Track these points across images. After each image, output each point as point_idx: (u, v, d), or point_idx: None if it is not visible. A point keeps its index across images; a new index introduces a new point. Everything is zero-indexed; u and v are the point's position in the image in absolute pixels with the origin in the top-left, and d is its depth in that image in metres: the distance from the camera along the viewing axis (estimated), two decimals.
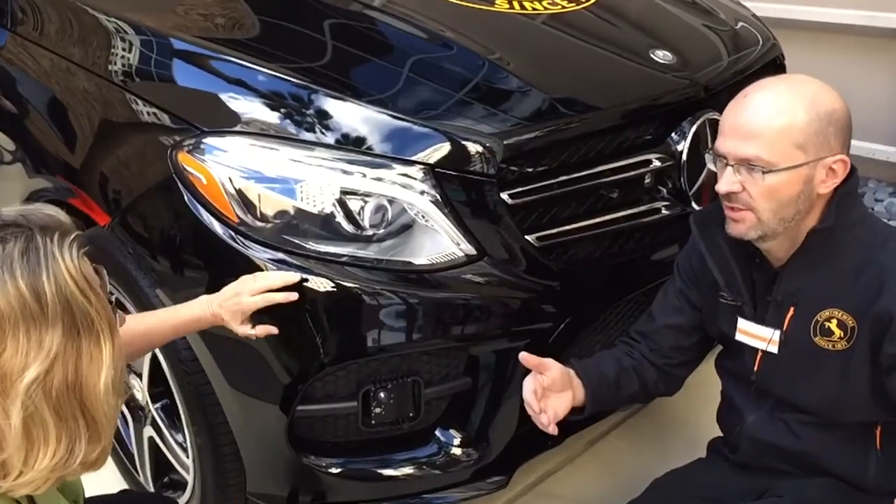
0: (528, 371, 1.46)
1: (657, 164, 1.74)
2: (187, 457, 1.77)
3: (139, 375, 1.84)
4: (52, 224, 0.97)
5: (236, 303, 1.42)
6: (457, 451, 1.64)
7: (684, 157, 1.76)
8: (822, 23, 3.38)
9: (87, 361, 0.95)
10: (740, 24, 2.20)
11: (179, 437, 1.81)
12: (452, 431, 1.64)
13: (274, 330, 1.46)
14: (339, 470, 1.61)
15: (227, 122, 1.57)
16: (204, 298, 1.46)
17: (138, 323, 1.42)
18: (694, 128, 1.77)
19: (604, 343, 1.77)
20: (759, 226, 1.34)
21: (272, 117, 1.56)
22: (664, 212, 1.77)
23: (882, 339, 1.31)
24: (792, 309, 1.40)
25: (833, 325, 1.36)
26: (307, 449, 1.59)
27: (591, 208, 1.69)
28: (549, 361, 1.46)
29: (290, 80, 1.60)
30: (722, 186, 1.34)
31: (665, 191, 1.79)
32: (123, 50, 1.76)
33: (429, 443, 1.64)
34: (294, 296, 1.44)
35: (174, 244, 1.59)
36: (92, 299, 0.95)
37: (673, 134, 1.78)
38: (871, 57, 3.37)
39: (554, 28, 1.93)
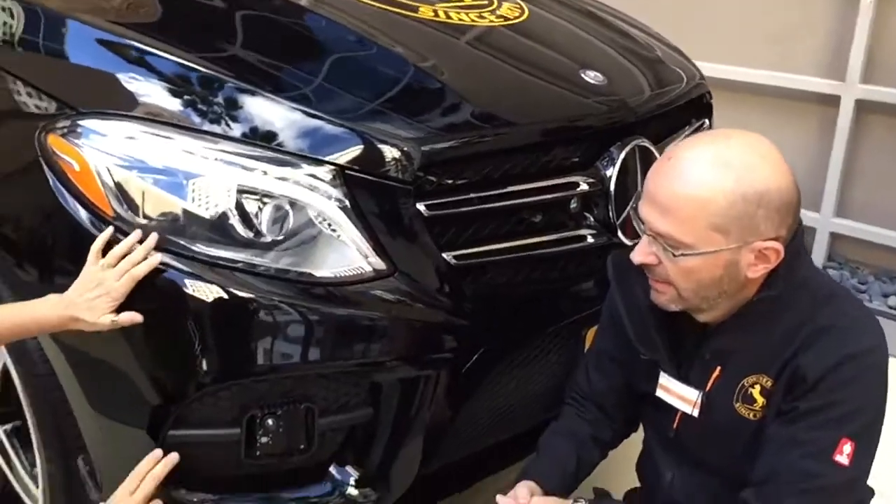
0: None
1: (585, 187, 1.64)
2: (37, 487, 1.56)
3: None
4: None
5: (99, 294, 1.25)
6: (353, 491, 1.48)
7: (612, 184, 1.67)
8: (747, 83, 3.42)
9: None
10: (670, 56, 2.18)
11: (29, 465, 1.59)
12: (349, 468, 1.48)
13: (139, 318, 1.29)
14: None
15: (115, 106, 1.40)
16: (53, 297, 1.28)
17: None
18: (623, 154, 1.69)
19: (521, 379, 1.64)
20: (680, 301, 1.22)
21: (172, 104, 1.42)
22: (590, 240, 1.67)
23: (788, 397, 1.20)
24: (718, 369, 1.28)
25: (756, 391, 1.24)
26: (178, 482, 1.39)
27: (513, 229, 1.58)
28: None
29: (196, 67, 1.45)
30: (635, 257, 1.22)
31: (592, 218, 1.69)
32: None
33: (322, 480, 1.48)
34: (158, 257, 1.30)
35: (35, 239, 1.40)
36: None
37: (602, 159, 1.69)
38: (793, 120, 3.42)
39: (480, 41, 1.84)
